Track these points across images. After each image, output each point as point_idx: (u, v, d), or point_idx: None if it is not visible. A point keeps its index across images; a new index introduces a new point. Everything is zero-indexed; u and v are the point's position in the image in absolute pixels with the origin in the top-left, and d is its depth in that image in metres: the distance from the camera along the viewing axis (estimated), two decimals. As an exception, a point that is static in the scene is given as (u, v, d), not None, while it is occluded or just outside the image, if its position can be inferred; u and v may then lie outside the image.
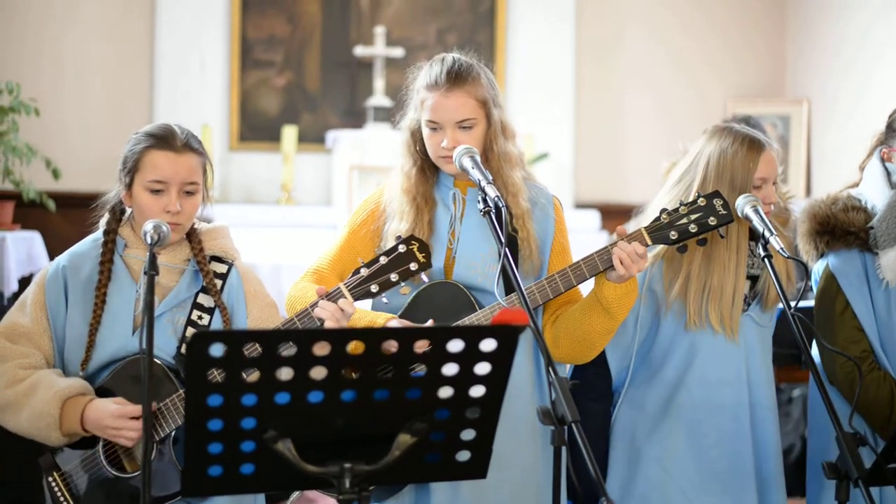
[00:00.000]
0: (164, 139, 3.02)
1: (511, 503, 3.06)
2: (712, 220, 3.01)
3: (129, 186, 3.04)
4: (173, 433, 2.95)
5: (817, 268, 3.37)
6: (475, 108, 3.04)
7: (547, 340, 3.09)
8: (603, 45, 7.49)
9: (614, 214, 6.89)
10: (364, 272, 2.87)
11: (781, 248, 2.95)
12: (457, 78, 3.03)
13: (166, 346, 3.01)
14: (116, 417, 2.91)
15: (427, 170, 3.13)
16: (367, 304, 3.07)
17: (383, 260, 2.87)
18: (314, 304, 2.87)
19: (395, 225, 3.08)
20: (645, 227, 3.02)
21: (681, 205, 3.03)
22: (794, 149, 7.40)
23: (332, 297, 2.87)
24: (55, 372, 3.01)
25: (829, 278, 3.31)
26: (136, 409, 2.91)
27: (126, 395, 3.00)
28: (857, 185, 3.44)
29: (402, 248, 2.87)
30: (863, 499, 2.66)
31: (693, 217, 3.01)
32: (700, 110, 7.35)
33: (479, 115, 3.05)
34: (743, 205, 3.09)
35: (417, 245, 2.88)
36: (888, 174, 3.33)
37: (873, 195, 3.34)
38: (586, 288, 3.10)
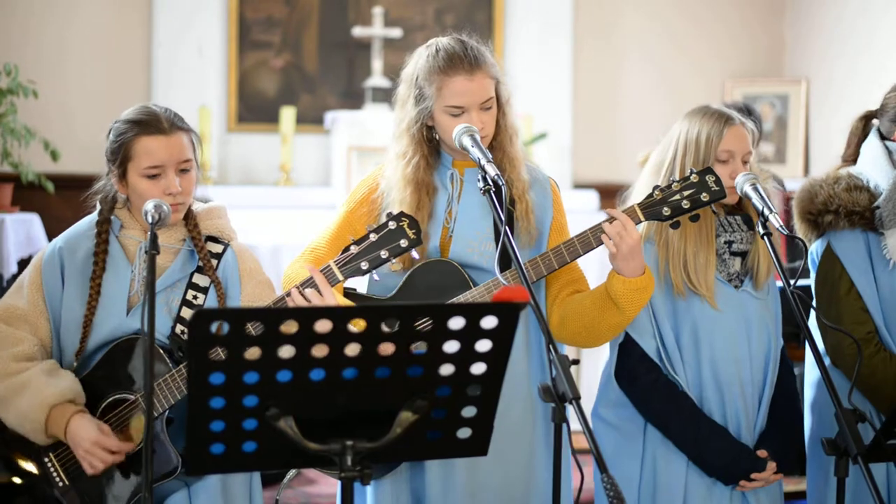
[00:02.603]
0: (151, 124, 3.00)
1: (505, 479, 3.07)
2: (705, 196, 3.02)
3: (123, 176, 3.03)
4: (166, 413, 2.95)
5: (815, 248, 3.35)
6: (492, 88, 3.07)
7: (553, 321, 3.11)
8: (601, 26, 7.48)
9: (612, 194, 6.85)
10: (354, 249, 2.87)
11: (781, 226, 2.95)
12: (476, 60, 3.03)
13: (161, 327, 3.00)
14: (92, 444, 2.91)
15: (431, 157, 3.13)
16: (362, 283, 3.07)
17: (373, 237, 2.86)
18: (305, 283, 2.88)
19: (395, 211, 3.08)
20: (638, 204, 3.03)
21: (673, 181, 3.03)
22: (793, 128, 7.40)
23: (323, 274, 2.87)
24: (46, 369, 2.99)
25: (832, 259, 3.28)
26: (115, 444, 2.92)
27: (119, 375, 3.00)
28: (846, 164, 3.43)
29: (392, 225, 2.87)
30: (862, 475, 2.67)
31: (686, 193, 3.02)
32: (698, 90, 7.34)
33: (494, 94, 3.08)
34: (742, 182, 3.09)
35: (408, 221, 2.87)
36: (889, 153, 3.31)
37: (875, 174, 3.30)
38: (591, 275, 3.12)
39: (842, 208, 3.26)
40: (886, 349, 3.23)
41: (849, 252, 3.27)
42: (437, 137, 3.10)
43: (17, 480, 3.05)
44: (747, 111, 5.33)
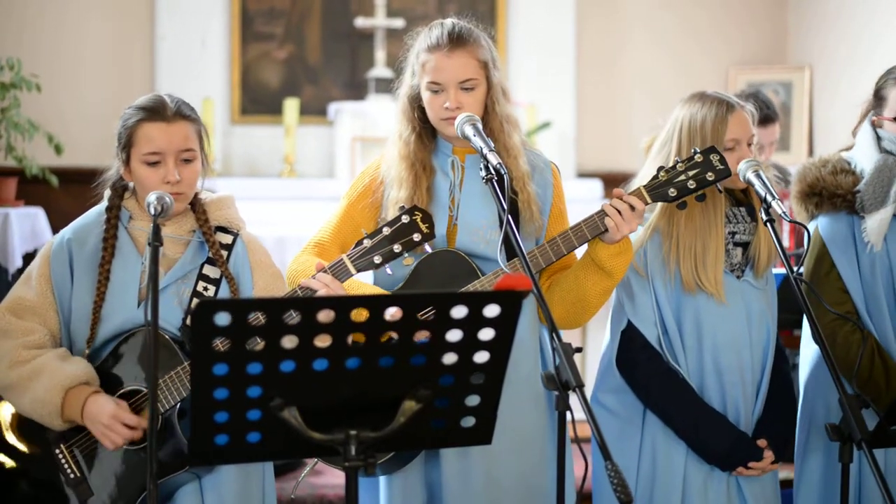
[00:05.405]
0: (155, 110, 3.02)
1: (518, 467, 3.07)
2: (710, 176, 3.02)
3: (127, 162, 3.04)
4: (178, 405, 2.96)
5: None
6: (477, 69, 3.07)
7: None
8: (604, 15, 7.47)
9: (616, 183, 6.76)
10: (367, 243, 2.88)
11: (784, 213, 2.96)
12: (458, 39, 3.06)
13: (172, 318, 3.01)
14: (111, 418, 2.91)
15: (425, 136, 3.15)
16: (368, 276, 3.07)
17: (386, 231, 2.87)
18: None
19: (395, 193, 3.09)
20: (644, 186, 3.04)
21: (678, 162, 3.04)
22: (796, 115, 7.38)
23: (335, 269, 2.88)
24: (59, 354, 3.00)
25: (817, 240, 3.34)
26: (133, 418, 2.93)
27: (131, 368, 3.01)
28: (850, 148, 3.46)
29: (405, 219, 2.87)
30: (866, 460, 2.68)
31: (691, 173, 3.02)
32: (703, 78, 7.32)
33: (480, 77, 3.07)
34: (745, 169, 3.09)
35: (421, 215, 2.88)
36: (878, 139, 3.35)
37: (863, 159, 3.36)
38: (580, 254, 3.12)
39: (825, 191, 3.33)
40: (860, 331, 3.25)
41: (832, 234, 3.32)
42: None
43: (25, 472, 3.06)
44: (754, 96, 5.32)
